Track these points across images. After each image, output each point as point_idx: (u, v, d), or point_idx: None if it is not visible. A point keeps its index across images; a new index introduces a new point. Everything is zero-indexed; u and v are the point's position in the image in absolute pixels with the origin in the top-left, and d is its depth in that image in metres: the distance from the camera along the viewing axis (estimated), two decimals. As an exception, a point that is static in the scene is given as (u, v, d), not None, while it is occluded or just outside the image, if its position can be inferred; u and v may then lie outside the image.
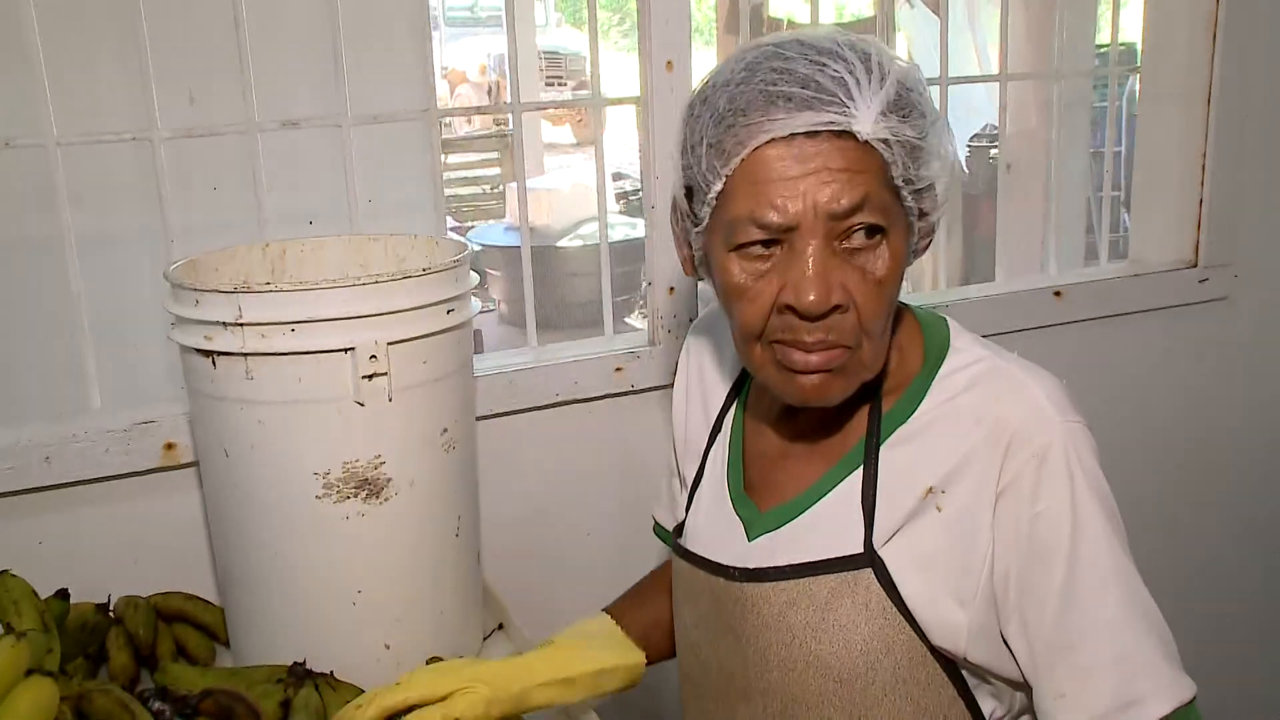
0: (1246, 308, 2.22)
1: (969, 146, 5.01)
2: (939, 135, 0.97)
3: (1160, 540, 2.28)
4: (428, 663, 1.27)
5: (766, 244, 0.96)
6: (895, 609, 1.00)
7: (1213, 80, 2.08)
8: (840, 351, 0.97)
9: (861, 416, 1.06)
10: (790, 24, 5.34)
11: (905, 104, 0.94)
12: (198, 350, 1.20)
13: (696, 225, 1.02)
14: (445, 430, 1.27)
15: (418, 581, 1.29)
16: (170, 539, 1.49)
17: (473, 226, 7.72)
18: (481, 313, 6.86)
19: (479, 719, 1.10)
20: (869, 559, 1.01)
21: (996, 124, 4.75)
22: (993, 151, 4.80)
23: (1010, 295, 2.05)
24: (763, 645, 1.06)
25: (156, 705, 1.10)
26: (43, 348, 1.65)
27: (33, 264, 1.64)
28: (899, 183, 0.95)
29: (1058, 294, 2.05)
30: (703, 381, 1.27)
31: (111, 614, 1.36)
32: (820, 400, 1.00)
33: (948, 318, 1.11)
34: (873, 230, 0.95)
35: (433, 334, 1.22)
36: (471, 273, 1.32)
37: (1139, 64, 2.23)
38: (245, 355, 1.17)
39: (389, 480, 1.22)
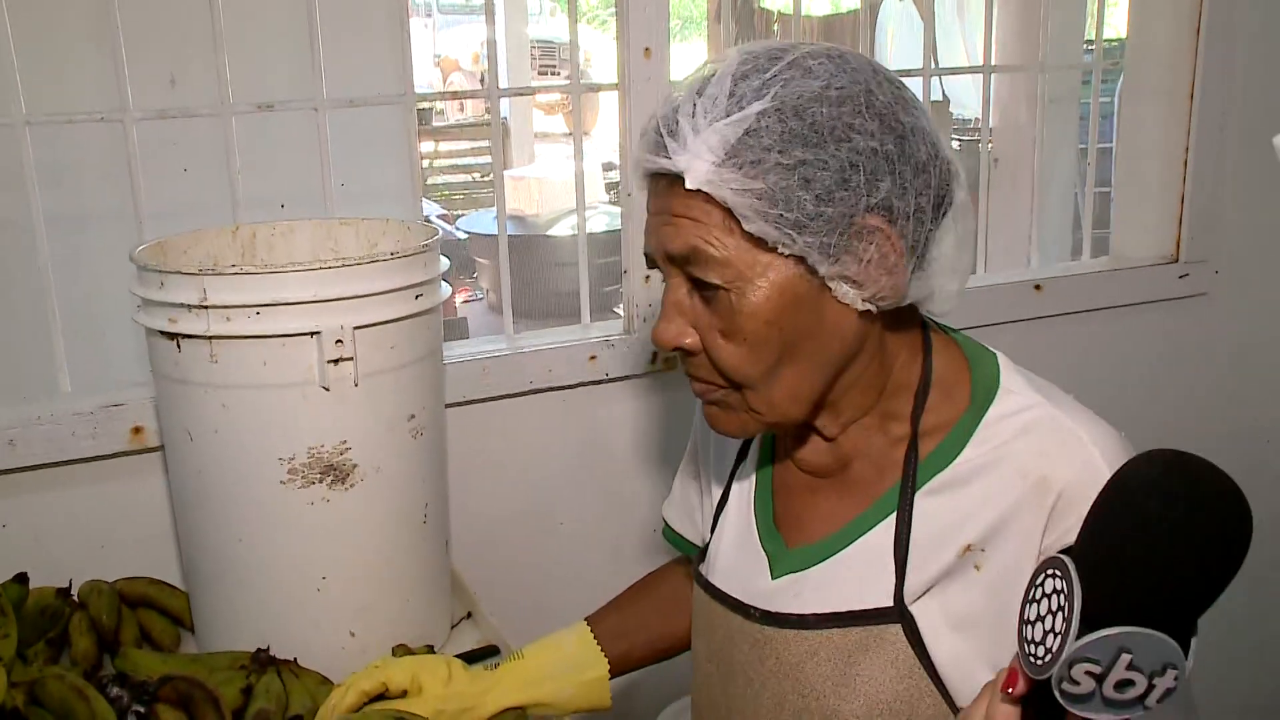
0: (1226, 304, 2.22)
1: (958, 140, 5.01)
2: (832, 180, 0.85)
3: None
4: (393, 651, 1.26)
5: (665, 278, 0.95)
6: (923, 669, 0.95)
7: (1195, 77, 2.07)
8: (711, 388, 0.95)
9: (897, 457, 0.98)
10: (781, 16, 5.32)
11: (746, 150, 0.85)
12: (162, 333, 1.18)
13: None
14: (413, 416, 1.26)
15: (384, 569, 1.28)
16: (137, 523, 1.48)
17: (462, 214, 7.71)
18: (470, 300, 6.86)
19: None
20: (899, 614, 0.95)
21: (977, 117, 4.78)
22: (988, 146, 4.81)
23: (991, 288, 2.04)
24: (779, 693, 1.00)
25: (115, 691, 1.09)
26: (10, 330, 1.64)
27: (3, 245, 1.62)
28: (761, 237, 0.86)
29: (1038, 287, 2.05)
30: None
31: (75, 598, 1.35)
32: (724, 433, 0.99)
33: (998, 354, 1.01)
34: (711, 284, 0.89)
35: (400, 319, 1.21)
36: (442, 258, 1.31)
37: (1123, 59, 2.23)
38: (209, 338, 1.16)
39: (355, 466, 1.22)
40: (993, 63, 2.07)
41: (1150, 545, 0.63)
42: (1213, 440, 2.30)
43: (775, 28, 5.28)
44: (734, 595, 1.05)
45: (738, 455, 1.13)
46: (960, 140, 5.28)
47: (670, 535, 1.28)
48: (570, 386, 1.71)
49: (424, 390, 1.28)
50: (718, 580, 1.09)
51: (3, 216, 1.60)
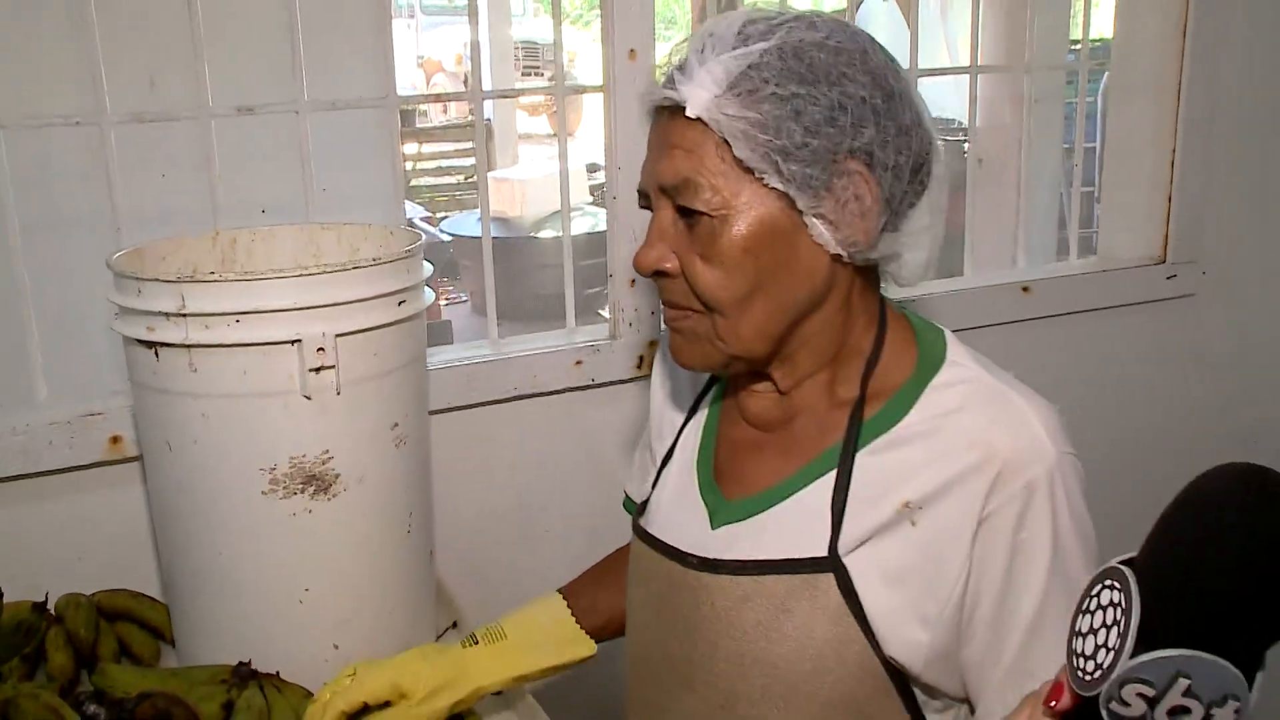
0: (1213, 305, 2.21)
1: (941, 140, 5.00)
2: (821, 116, 0.92)
3: (1124, 539, 2.28)
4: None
5: (649, 207, 1.01)
6: (853, 618, 0.98)
7: (1182, 76, 2.07)
8: (682, 313, 1.00)
9: (840, 417, 1.03)
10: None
11: (745, 82, 0.91)
12: (140, 341, 1.16)
13: None
14: (396, 425, 1.24)
15: (367, 580, 1.26)
16: (115, 535, 1.46)
17: (446, 216, 7.68)
18: (454, 303, 6.83)
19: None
20: (832, 564, 0.98)
21: (956, 119, 4.77)
22: (966, 145, 4.80)
23: (979, 290, 2.03)
24: (712, 637, 1.04)
25: (91, 709, 1.07)
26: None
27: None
28: (748, 165, 0.93)
29: (1026, 289, 2.04)
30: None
31: (52, 612, 1.33)
32: (685, 363, 1.03)
33: (945, 330, 1.07)
34: (700, 211, 0.95)
35: (383, 326, 1.19)
36: (425, 263, 1.29)
37: (1110, 59, 2.22)
38: (189, 347, 1.14)
39: (337, 476, 1.19)
40: (978, 63, 2.05)
41: (1221, 562, 0.57)
42: (1200, 442, 2.30)
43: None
44: (672, 544, 1.09)
45: (688, 413, 1.18)
46: (944, 140, 5.27)
47: (630, 505, 1.30)
48: (556, 392, 1.69)
49: (407, 398, 1.26)
50: (656, 530, 1.13)
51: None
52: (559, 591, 1.28)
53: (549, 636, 1.23)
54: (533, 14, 14.21)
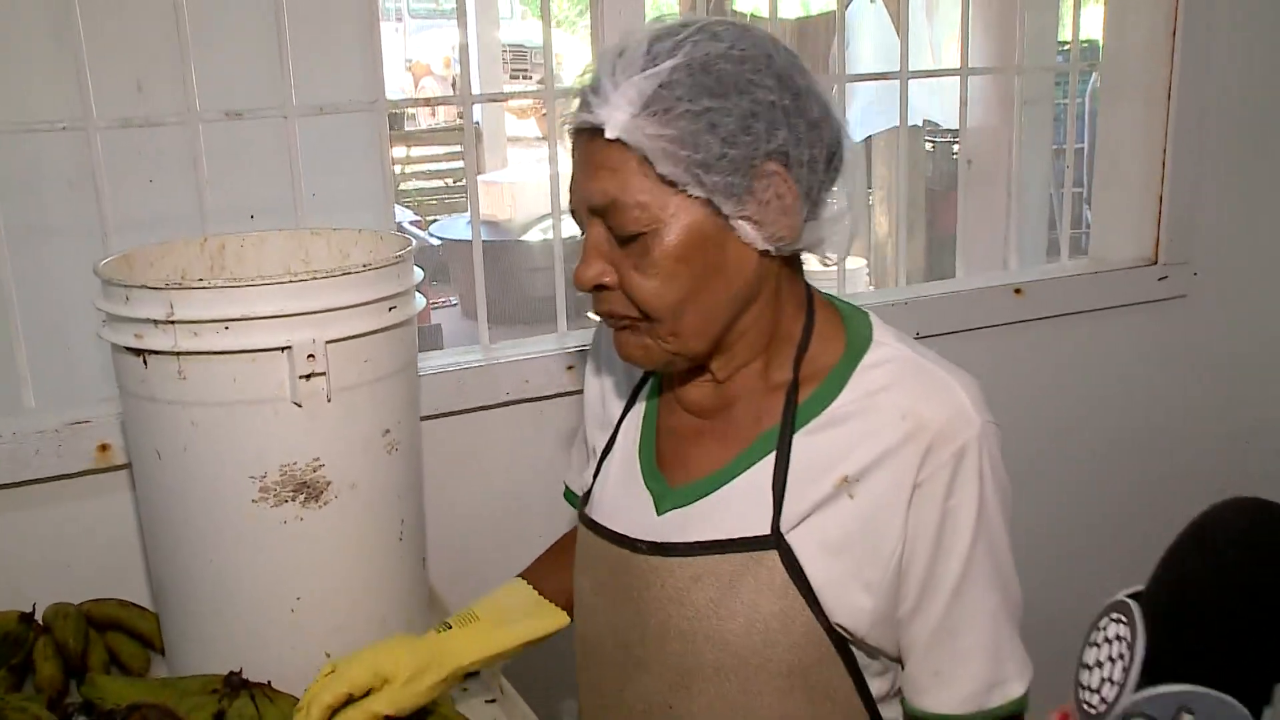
0: (1205, 306, 2.22)
1: (931, 143, 5.01)
2: (736, 125, 0.96)
3: (1113, 540, 2.28)
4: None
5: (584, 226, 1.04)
6: (797, 591, 1.03)
7: (1172, 78, 2.07)
8: (622, 321, 1.04)
9: (776, 401, 1.08)
10: (754, 18, 5.32)
11: (659, 100, 0.95)
12: (128, 349, 1.15)
13: None
14: (387, 431, 1.23)
15: (359, 587, 1.25)
16: (104, 544, 1.45)
17: (435, 220, 7.66)
18: (442, 307, 6.81)
19: (413, 707, 1.13)
20: (775, 541, 1.04)
21: (934, 121, 4.77)
22: (955, 147, 4.80)
23: (971, 292, 2.03)
24: (664, 618, 1.08)
25: (80, 720, 1.06)
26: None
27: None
28: (671, 179, 0.97)
29: (1018, 291, 2.04)
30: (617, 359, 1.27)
31: (39, 622, 1.31)
32: (631, 360, 1.07)
33: (870, 313, 1.12)
34: (629, 232, 0.99)
35: (374, 332, 1.18)
36: (416, 269, 1.28)
37: (1100, 61, 2.22)
38: (177, 354, 1.12)
39: (328, 483, 1.18)
40: (968, 65, 2.05)
41: (1228, 598, 0.58)
42: (1193, 443, 2.31)
43: (748, 31, 5.30)
44: (620, 531, 1.13)
45: (625, 406, 1.21)
46: (932, 142, 5.28)
47: (569, 496, 1.37)
48: (547, 397, 1.68)
49: (399, 404, 1.25)
50: (603, 519, 1.16)
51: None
52: (520, 576, 1.29)
53: (521, 613, 1.24)
54: (520, 17, 14.20)
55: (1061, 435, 2.16)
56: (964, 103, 2.10)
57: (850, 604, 1.04)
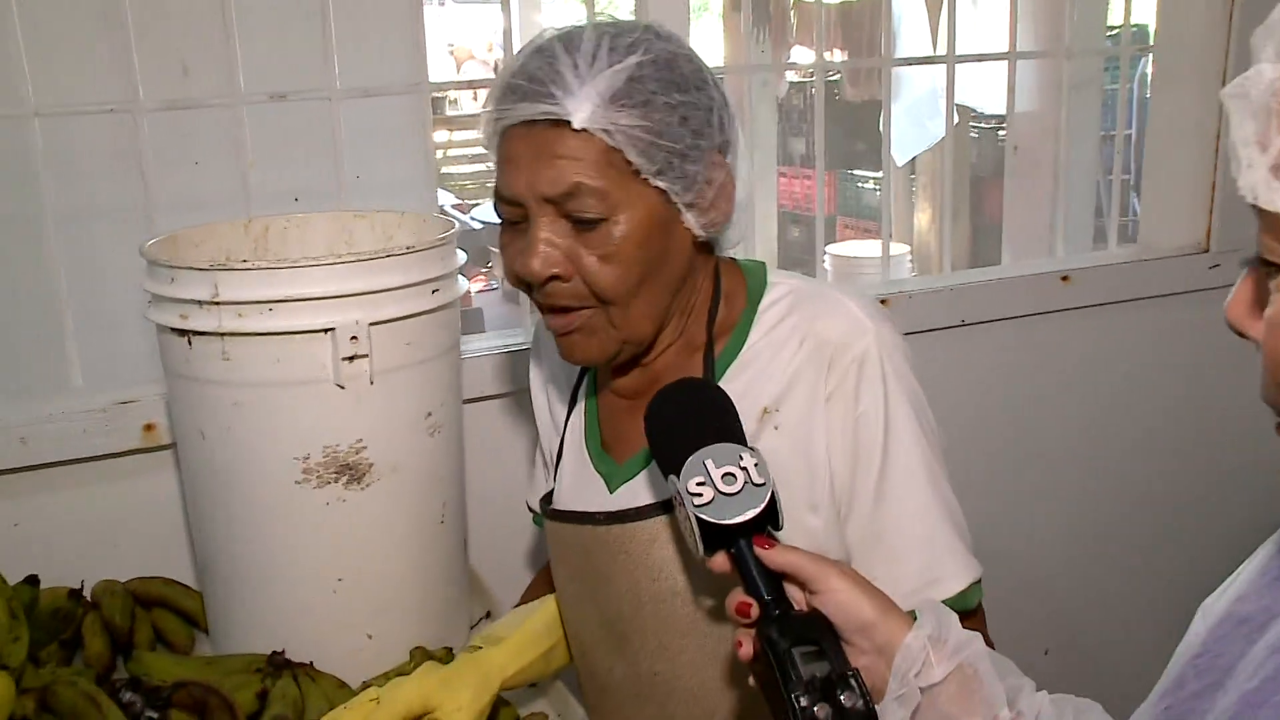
0: (1258, 294, 2.17)
1: (975, 128, 4.95)
2: (691, 119, 1.02)
3: (1159, 531, 2.24)
4: (411, 654, 1.24)
5: (516, 220, 1.05)
6: None
7: (1229, 61, 2.03)
8: (577, 315, 1.06)
9: (696, 363, 1.13)
10: (799, 4, 5.26)
11: (632, 94, 0.99)
12: (173, 330, 1.16)
13: None
14: (430, 414, 1.23)
15: (401, 569, 1.25)
16: (150, 522, 1.46)
17: (478, 204, 7.67)
18: (485, 290, 6.83)
19: None
20: None
21: (970, 107, 4.70)
22: (1001, 133, 4.73)
23: (1017, 279, 2.00)
24: (634, 583, 1.13)
25: (128, 697, 1.07)
26: (20, 326, 1.62)
27: (12, 239, 1.60)
28: (636, 167, 1.01)
29: (1065, 278, 2.00)
30: (553, 362, 1.29)
31: (87, 599, 1.33)
32: (583, 359, 1.10)
33: (765, 263, 1.19)
34: (590, 216, 1.01)
35: (417, 314, 1.18)
36: (459, 251, 1.27)
37: (1151, 44, 2.18)
38: (221, 335, 1.13)
39: (371, 465, 1.19)
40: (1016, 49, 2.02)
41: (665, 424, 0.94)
42: (1244, 436, 2.26)
43: (792, 15, 5.23)
44: (579, 510, 1.18)
45: (569, 408, 1.26)
46: (976, 128, 5.21)
47: (538, 519, 1.36)
48: (589, 381, 1.67)
49: (441, 387, 1.25)
50: (563, 506, 1.22)
51: (10, 211, 1.58)
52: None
53: (540, 623, 1.24)
54: (561, 0, 14.16)
55: (1108, 425, 2.13)
56: (1011, 88, 2.07)
57: (803, 527, 1.07)
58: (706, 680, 1.13)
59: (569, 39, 1.02)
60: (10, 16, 1.38)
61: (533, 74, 1.01)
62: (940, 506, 1.10)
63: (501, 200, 1.06)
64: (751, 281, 1.17)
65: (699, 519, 0.87)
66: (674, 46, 1.05)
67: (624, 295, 1.05)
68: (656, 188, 1.03)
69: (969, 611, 1.09)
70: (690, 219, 1.06)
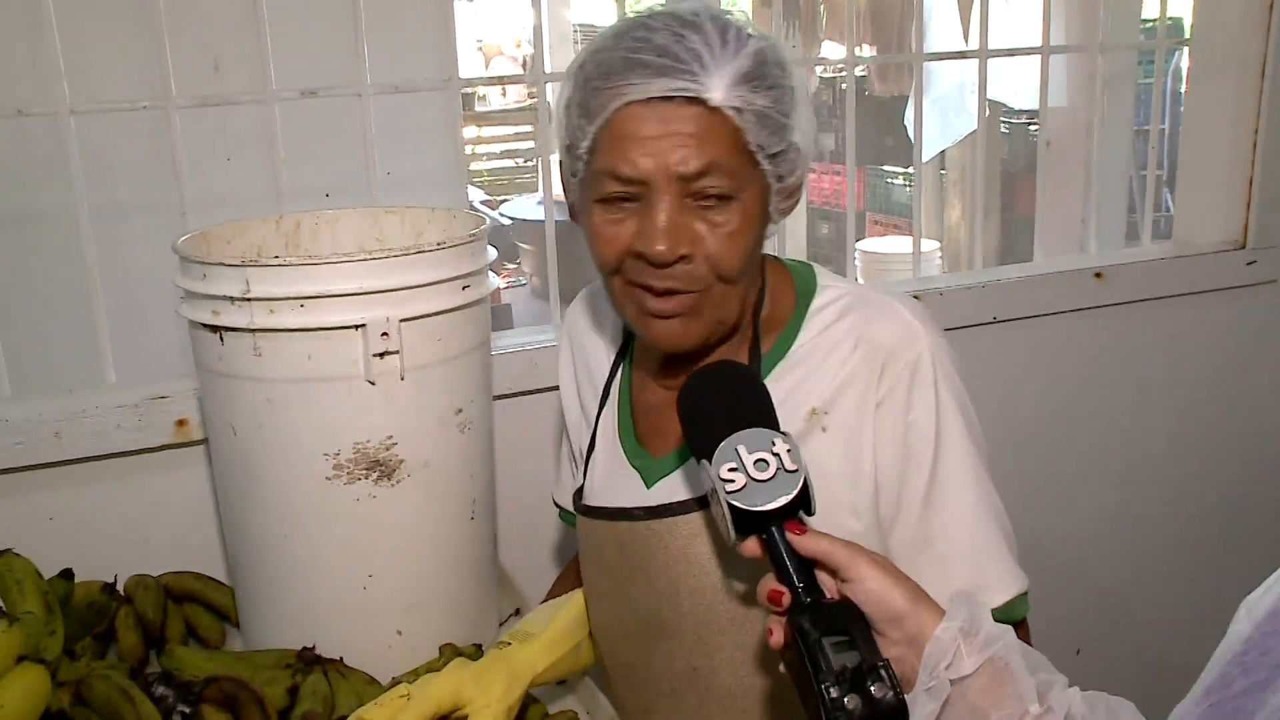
0: (1296, 291, 2.14)
1: (1006, 123, 4.90)
2: (799, 107, 1.04)
3: (1199, 530, 2.22)
4: (440, 651, 1.24)
5: (627, 198, 1.03)
6: None
7: (1267, 55, 2.00)
8: (689, 297, 1.05)
9: (742, 358, 1.12)
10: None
11: (761, 76, 1.00)
12: (205, 325, 1.16)
13: (574, 177, 1.09)
14: (460, 410, 1.23)
15: (431, 566, 1.25)
16: (182, 517, 1.47)
17: (506, 200, 7.68)
18: (514, 286, 6.84)
19: None
20: None
21: (1000, 101, 4.65)
22: (1032, 128, 4.69)
23: (1049, 276, 1.98)
24: (674, 578, 1.12)
25: (160, 691, 1.08)
26: (54, 321, 1.63)
27: (45, 236, 1.61)
28: (754, 148, 1.02)
29: (1098, 275, 1.98)
30: (585, 356, 1.29)
31: (121, 593, 1.34)
32: (681, 344, 1.08)
33: (814, 264, 1.19)
34: (719, 194, 1.01)
35: (447, 311, 1.18)
36: (489, 247, 1.27)
37: (1187, 38, 2.16)
38: (253, 331, 1.13)
39: (401, 461, 1.19)
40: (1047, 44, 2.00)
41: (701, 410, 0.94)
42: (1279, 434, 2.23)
43: (822, 10, 5.20)
44: (615, 505, 1.17)
45: (600, 402, 1.25)
46: (1007, 123, 5.16)
47: (564, 516, 1.38)
48: (619, 377, 1.67)
49: (472, 383, 1.25)
50: (597, 502, 1.20)
51: (45, 207, 1.59)
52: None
53: (568, 619, 1.24)
54: (591, -3, 14.15)
55: (1143, 423, 2.10)
56: (1044, 83, 2.05)
57: (843, 530, 1.04)
58: (744, 677, 1.13)
59: (684, 21, 1.01)
60: (46, 15, 1.39)
61: (665, 49, 0.99)
62: (990, 516, 1.09)
63: (616, 179, 1.02)
64: (800, 282, 1.16)
65: (731, 505, 0.87)
66: (770, 40, 1.05)
67: (740, 273, 1.05)
68: (761, 171, 1.03)
69: (1014, 625, 1.05)
70: (775, 204, 1.07)
